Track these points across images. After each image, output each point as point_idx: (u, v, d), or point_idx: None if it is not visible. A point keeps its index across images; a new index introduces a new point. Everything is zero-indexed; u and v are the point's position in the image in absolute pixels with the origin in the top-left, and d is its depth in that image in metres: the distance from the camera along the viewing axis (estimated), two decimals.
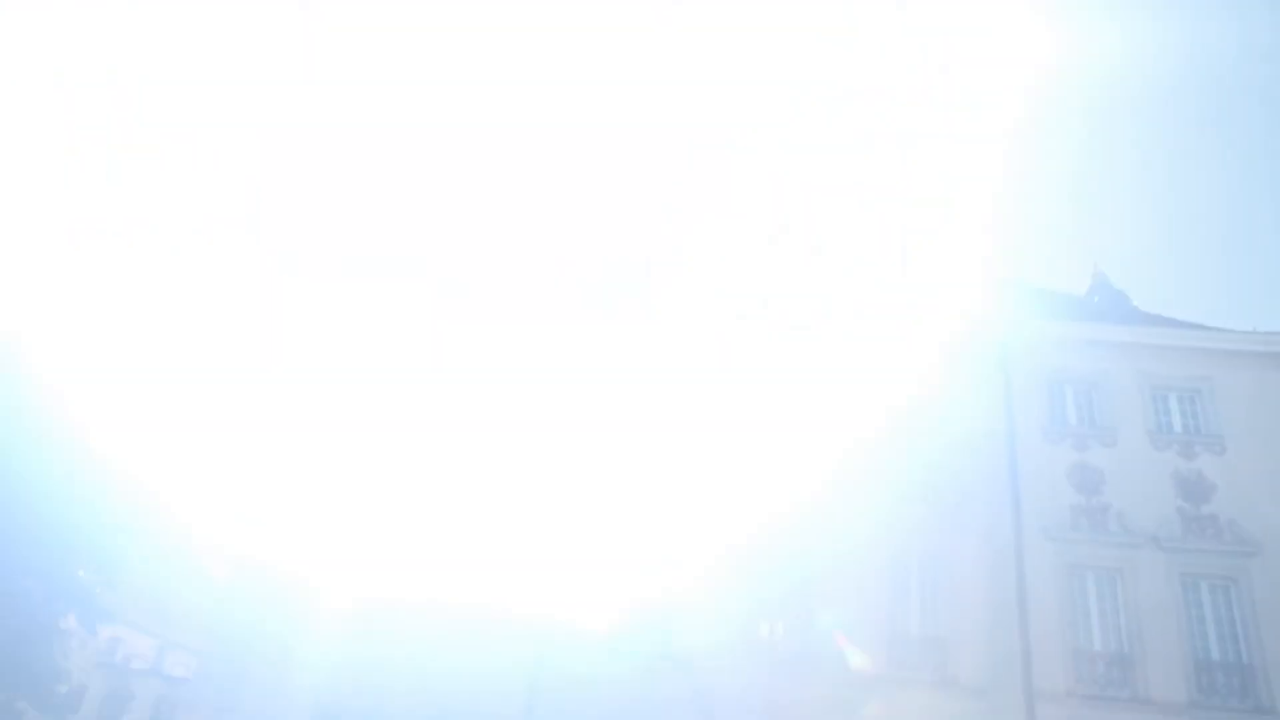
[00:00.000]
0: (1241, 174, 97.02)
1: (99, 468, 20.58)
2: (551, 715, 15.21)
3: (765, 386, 18.21)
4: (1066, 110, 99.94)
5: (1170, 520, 16.12)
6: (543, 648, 15.95)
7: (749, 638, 15.68)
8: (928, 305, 18.94)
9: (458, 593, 17.06)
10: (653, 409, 18.30)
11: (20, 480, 19.07)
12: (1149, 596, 15.48)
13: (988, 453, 17.06)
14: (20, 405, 19.45)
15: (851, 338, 18.73)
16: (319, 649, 16.33)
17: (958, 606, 15.64)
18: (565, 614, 16.30)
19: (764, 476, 17.18)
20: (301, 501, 18.63)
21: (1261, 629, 15.03)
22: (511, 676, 15.71)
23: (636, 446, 18.01)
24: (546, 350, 19.56)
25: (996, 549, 16.05)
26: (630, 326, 19.25)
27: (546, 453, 18.48)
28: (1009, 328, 18.25)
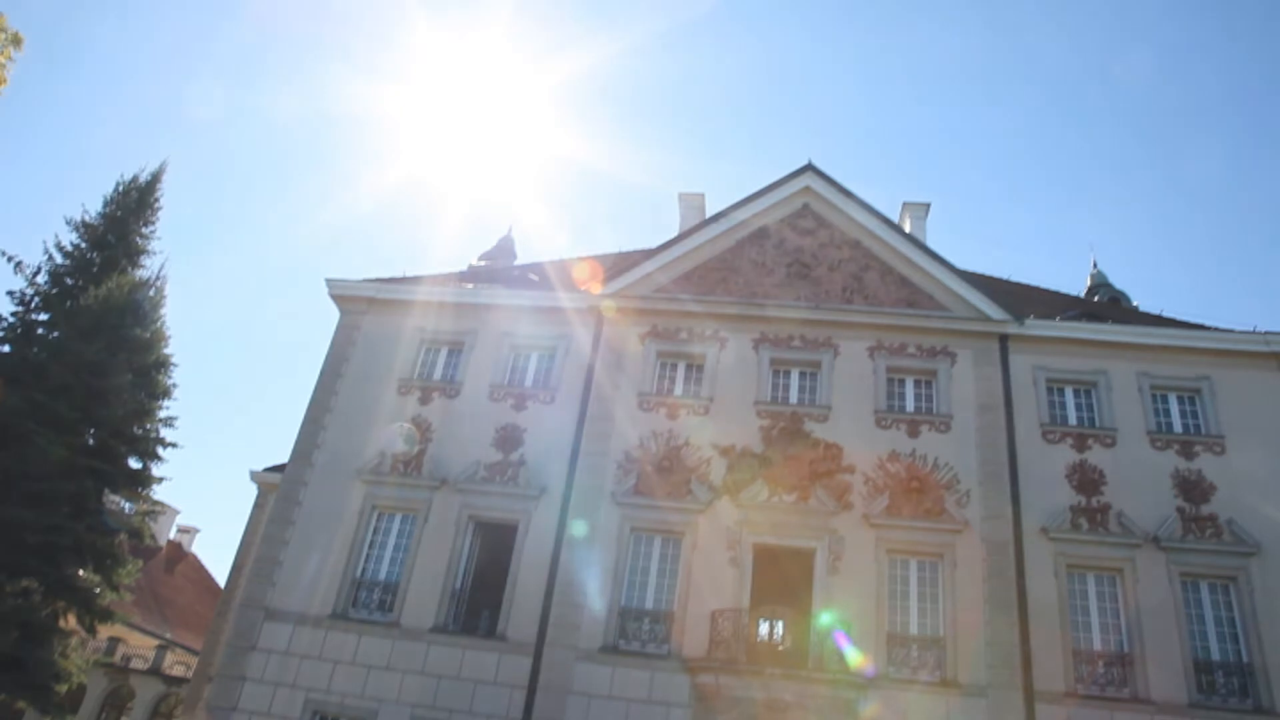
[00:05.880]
0: (1241, 174, 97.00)
1: (99, 464, 20.56)
2: (550, 714, 15.20)
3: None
4: (1068, 109, 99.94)
5: (1170, 520, 16.14)
6: (542, 646, 15.90)
7: (749, 637, 15.66)
8: (926, 305, 18.91)
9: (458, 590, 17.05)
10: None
11: (20, 479, 19.07)
12: (1149, 596, 15.49)
13: (987, 452, 17.07)
14: (21, 401, 19.45)
15: (847, 335, 18.69)
16: (318, 647, 16.31)
17: (958, 606, 15.64)
18: (565, 612, 16.24)
19: (762, 474, 17.16)
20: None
21: (1261, 629, 15.05)
22: (511, 676, 15.69)
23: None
24: None
25: (996, 549, 16.06)
26: None
27: None
28: (1009, 327, 18.26)
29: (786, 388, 18.55)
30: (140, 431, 21.98)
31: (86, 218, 23.89)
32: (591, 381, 18.60)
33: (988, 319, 18.40)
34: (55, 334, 21.84)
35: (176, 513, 43.48)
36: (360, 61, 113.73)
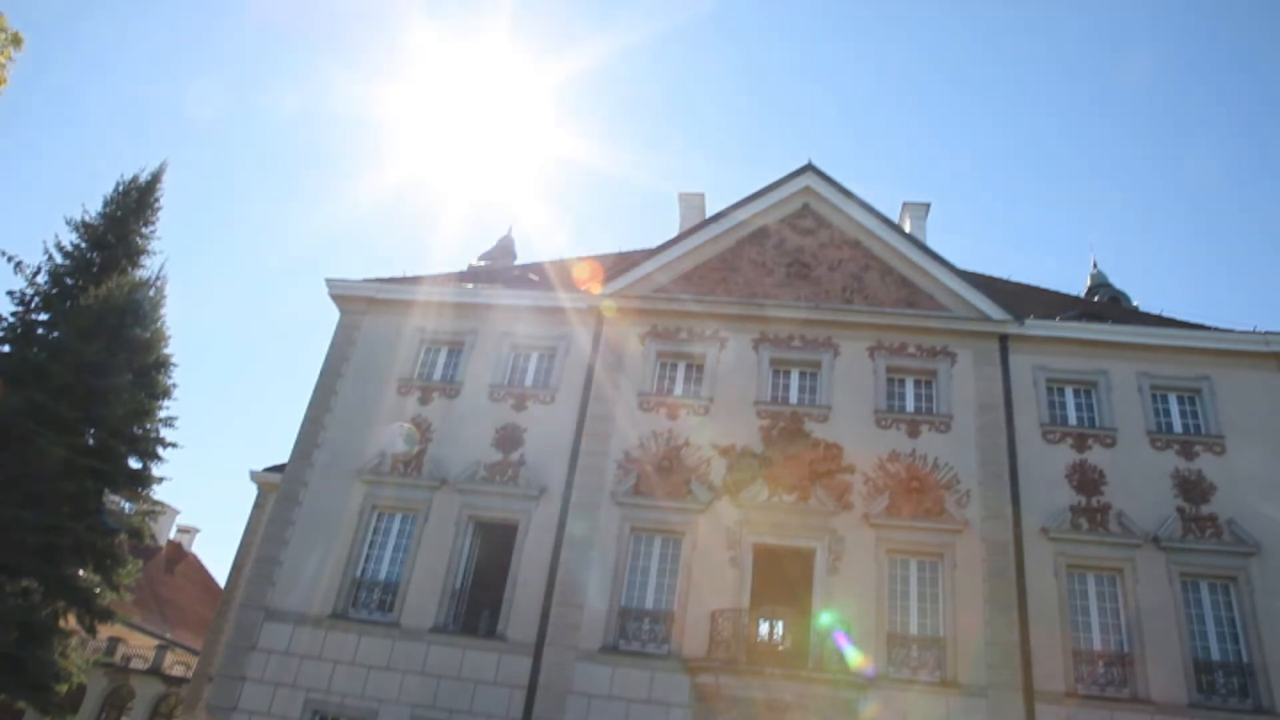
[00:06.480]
0: (1240, 174, 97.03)
1: (99, 464, 20.54)
2: (550, 714, 15.19)
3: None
4: (1067, 109, 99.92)
5: (1170, 520, 16.13)
6: (542, 646, 15.90)
7: (749, 637, 15.66)
8: (926, 305, 18.90)
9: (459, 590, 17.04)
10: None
11: (20, 479, 19.06)
12: (1149, 596, 15.49)
13: (987, 452, 17.07)
14: (21, 401, 19.43)
15: (847, 335, 18.69)
16: (318, 647, 16.30)
17: (958, 606, 15.63)
18: (565, 612, 16.24)
19: (762, 474, 17.15)
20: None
21: (1261, 629, 15.05)
22: (511, 676, 15.68)
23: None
24: None
25: (996, 549, 16.05)
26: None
27: None
28: (1009, 327, 18.26)
29: (786, 388, 18.55)
30: (140, 431, 21.95)
31: (86, 218, 23.89)
32: (591, 381, 18.60)
33: (988, 319, 18.40)
34: (55, 334, 21.82)
35: (176, 513, 43.47)
36: (360, 62, 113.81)
